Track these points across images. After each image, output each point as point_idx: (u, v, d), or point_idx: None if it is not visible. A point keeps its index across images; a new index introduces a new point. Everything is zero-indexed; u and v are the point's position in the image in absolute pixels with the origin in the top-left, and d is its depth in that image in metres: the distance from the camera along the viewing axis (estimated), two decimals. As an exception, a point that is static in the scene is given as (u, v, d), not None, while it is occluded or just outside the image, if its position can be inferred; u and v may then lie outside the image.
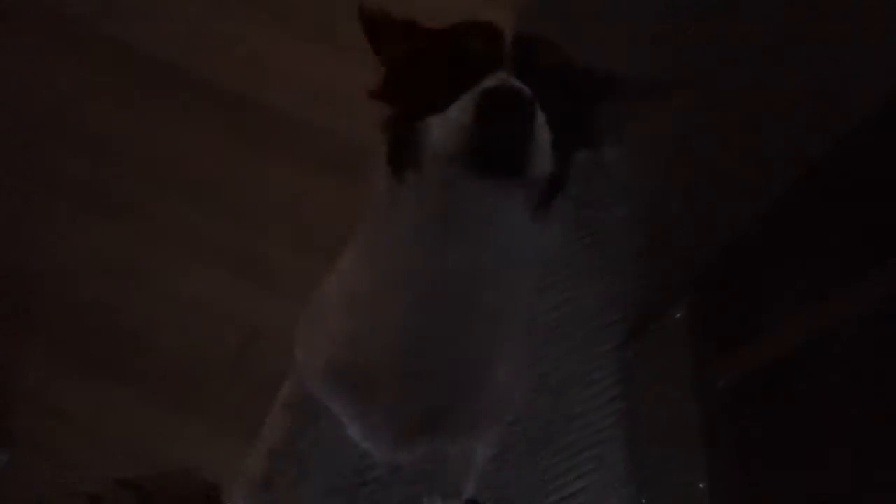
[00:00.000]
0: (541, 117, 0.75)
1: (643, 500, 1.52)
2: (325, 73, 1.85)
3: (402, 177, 0.83)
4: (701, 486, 1.29)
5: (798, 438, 1.21)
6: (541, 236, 0.87)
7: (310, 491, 1.52)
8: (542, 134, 0.76)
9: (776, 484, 1.23)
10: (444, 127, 0.77)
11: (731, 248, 1.38)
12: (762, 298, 1.30)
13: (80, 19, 1.87)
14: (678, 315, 1.40)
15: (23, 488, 1.47)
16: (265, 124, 1.81)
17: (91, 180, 1.71)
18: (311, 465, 1.52)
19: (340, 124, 1.79)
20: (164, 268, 1.65)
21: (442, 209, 0.81)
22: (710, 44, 2.02)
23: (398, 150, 0.85)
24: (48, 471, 1.49)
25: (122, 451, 1.51)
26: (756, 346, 1.28)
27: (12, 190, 1.69)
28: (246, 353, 1.59)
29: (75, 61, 1.83)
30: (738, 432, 1.29)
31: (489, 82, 0.75)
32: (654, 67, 1.98)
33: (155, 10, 1.91)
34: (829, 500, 1.14)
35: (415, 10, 1.92)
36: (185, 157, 1.76)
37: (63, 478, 1.47)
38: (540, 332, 1.64)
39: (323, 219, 1.68)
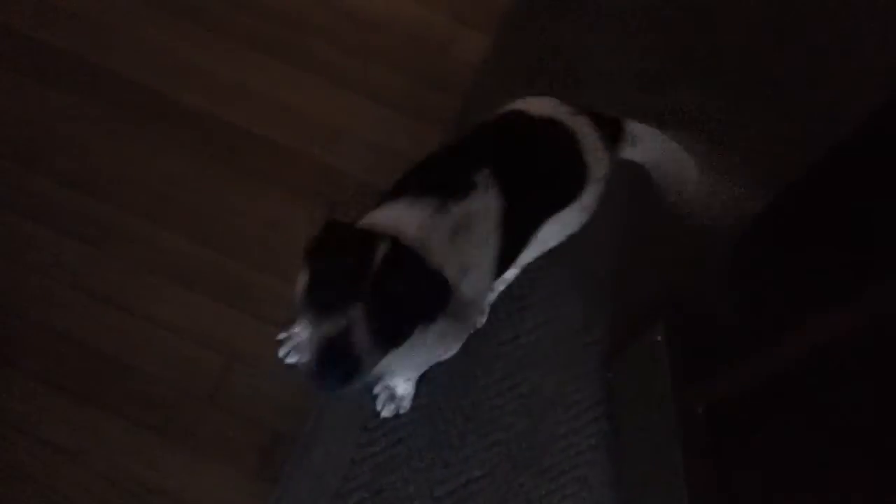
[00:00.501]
0: (368, 361, 1.05)
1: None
2: (308, 101, 1.87)
3: None
4: (682, 510, 1.28)
5: (778, 463, 1.20)
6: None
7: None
8: (367, 366, 1.05)
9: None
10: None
11: (710, 272, 1.37)
12: (741, 324, 1.29)
13: (60, 50, 1.87)
14: (658, 338, 1.39)
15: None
16: (247, 151, 1.82)
17: (68, 207, 1.71)
18: (292, 489, 1.52)
19: (321, 153, 1.82)
20: (143, 293, 1.65)
21: None
22: (681, 54, 2.03)
23: None
24: (27, 495, 1.48)
25: (102, 476, 1.51)
26: (735, 371, 1.27)
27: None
28: (226, 377, 1.59)
29: (57, 88, 1.83)
30: (717, 457, 1.28)
31: (327, 326, 1.04)
32: (630, 79, 1.99)
33: (139, 40, 1.91)
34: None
35: (399, 27, 1.95)
36: (166, 183, 1.76)
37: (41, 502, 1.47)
38: (520, 353, 1.64)
39: (301, 244, 1.67)
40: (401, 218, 1.16)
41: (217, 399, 1.58)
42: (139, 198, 1.74)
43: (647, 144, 1.50)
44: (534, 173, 1.29)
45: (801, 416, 1.17)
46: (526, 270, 1.58)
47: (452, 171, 1.26)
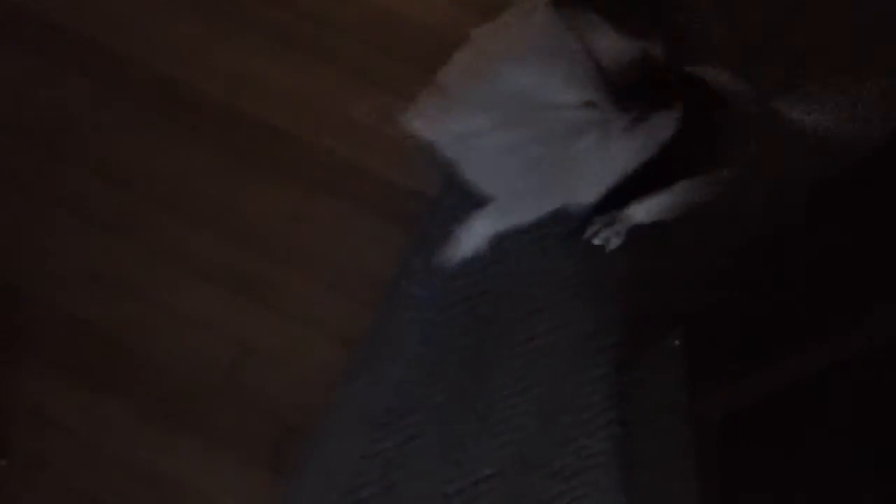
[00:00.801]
0: None
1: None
2: (328, 95, 1.87)
3: None
4: (694, 518, 1.28)
5: (792, 475, 1.20)
6: None
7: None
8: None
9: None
10: None
11: (729, 280, 1.37)
12: (760, 332, 1.29)
13: (85, 38, 1.88)
14: (675, 342, 1.39)
15: (17, 498, 1.48)
16: (266, 144, 1.82)
17: (89, 195, 1.72)
18: (302, 483, 1.52)
19: (341, 146, 1.81)
20: (161, 283, 1.65)
21: None
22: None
23: None
24: (43, 481, 1.49)
25: (117, 463, 1.52)
26: (754, 379, 1.26)
27: (10, 204, 1.70)
28: (239, 369, 1.60)
29: (78, 79, 1.84)
30: (731, 467, 1.28)
31: None
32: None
33: (159, 31, 1.92)
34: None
35: (401, 28, 1.96)
36: (185, 174, 1.77)
37: (57, 488, 1.48)
38: (534, 355, 1.64)
39: (320, 239, 1.71)
40: None
41: (229, 391, 1.58)
42: (158, 189, 1.75)
43: None
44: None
45: (820, 429, 1.17)
46: (542, 272, 1.58)
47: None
